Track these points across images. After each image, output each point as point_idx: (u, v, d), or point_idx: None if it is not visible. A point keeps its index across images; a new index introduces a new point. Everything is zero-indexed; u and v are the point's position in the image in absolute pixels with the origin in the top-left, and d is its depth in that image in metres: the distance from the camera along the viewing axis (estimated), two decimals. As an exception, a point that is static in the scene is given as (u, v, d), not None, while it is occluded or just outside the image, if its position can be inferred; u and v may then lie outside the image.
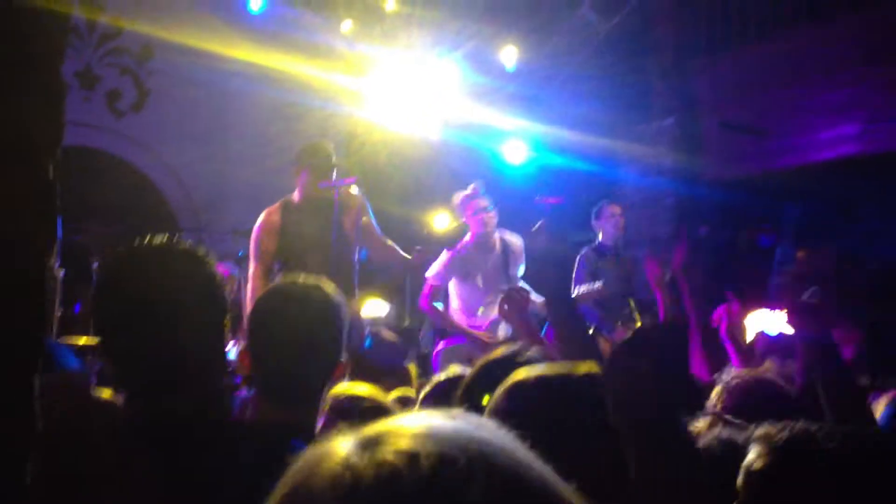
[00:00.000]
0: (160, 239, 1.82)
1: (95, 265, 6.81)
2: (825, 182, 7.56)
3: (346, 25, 8.55)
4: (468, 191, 6.15)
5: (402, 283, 8.71)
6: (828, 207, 7.65)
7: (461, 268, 6.16)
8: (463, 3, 8.21)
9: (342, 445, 0.66)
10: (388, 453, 0.63)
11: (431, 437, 0.65)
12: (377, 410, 2.32)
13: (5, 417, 0.98)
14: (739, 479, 1.56)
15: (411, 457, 0.62)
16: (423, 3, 8.33)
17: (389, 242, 5.61)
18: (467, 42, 8.26)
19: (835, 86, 7.42)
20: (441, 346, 6.28)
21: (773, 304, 7.33)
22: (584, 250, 6.74)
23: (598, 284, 6.02)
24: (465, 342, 6.09)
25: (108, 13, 8.57)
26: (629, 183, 8.72)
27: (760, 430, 1.57)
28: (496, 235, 6.18)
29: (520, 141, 7.81)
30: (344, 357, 2.10)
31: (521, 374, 1.59)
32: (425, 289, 6.31)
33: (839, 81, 7.39)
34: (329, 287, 2.10)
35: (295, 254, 5.30)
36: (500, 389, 1.59)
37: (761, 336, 6.45)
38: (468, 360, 5.95)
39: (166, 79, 8.72)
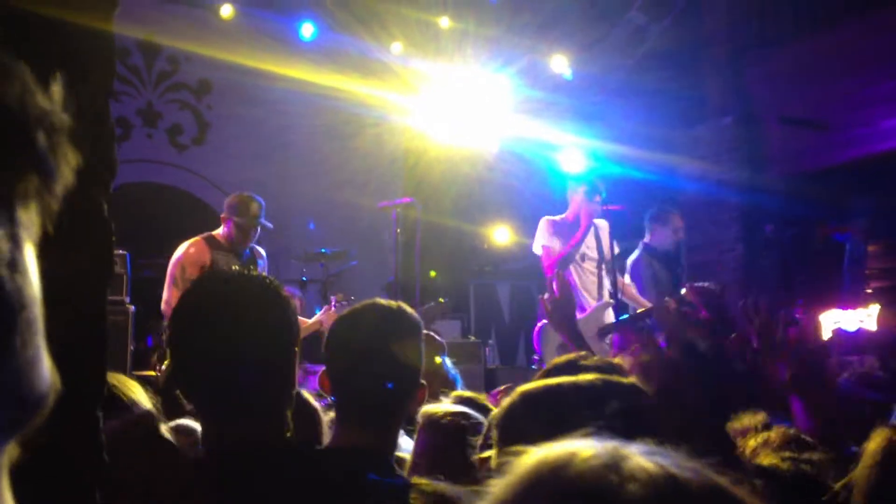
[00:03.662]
0: (234, 269, 1.86)
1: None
2: (891, 172, 7.38)
3: (396, 48, 8.62)
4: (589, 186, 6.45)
5: (467, 301, 8.71)
6: (896, 198, 7.46)
7: (559, 233, 6.40)
8: (517, 19, 8.22)
9: (582, 458, 0.65)
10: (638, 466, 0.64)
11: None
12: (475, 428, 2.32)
13: (71, 452, 1.00)
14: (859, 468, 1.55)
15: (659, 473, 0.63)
16: (477, 20, 8.36)
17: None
18: (521, 57, 8.27)
19: (894, 73, 7.25)
20: (541, 323, 6.35)
21: (848, 301, 7.17)
22: (638, 253, 6.77)
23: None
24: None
25: (165, 51, 8.78)
26: (690, 186, 8.61)
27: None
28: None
29: (576, 150, 7.77)
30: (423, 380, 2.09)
31: (527, 385, 1.58)
32: (549, 255, 6.40)
33: (899, 69, 7.23)
34: (408, 308, 2.11)
35: None
36: (510, 398, 1.57)
37: (838, 332, 6.32)
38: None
39: (224, 107, 8.89)
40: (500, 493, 0.68)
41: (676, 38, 8.23)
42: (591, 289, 6.39)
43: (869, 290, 7.88)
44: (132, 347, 6.14)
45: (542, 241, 6.50)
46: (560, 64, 8.37)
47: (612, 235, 6.41)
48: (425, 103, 8.26)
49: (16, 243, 0.69)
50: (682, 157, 8.56)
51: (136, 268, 6.34)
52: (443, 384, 3.71)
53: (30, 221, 0.71)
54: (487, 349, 8.15)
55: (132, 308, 6.11)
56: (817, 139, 7.79)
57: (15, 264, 0.68)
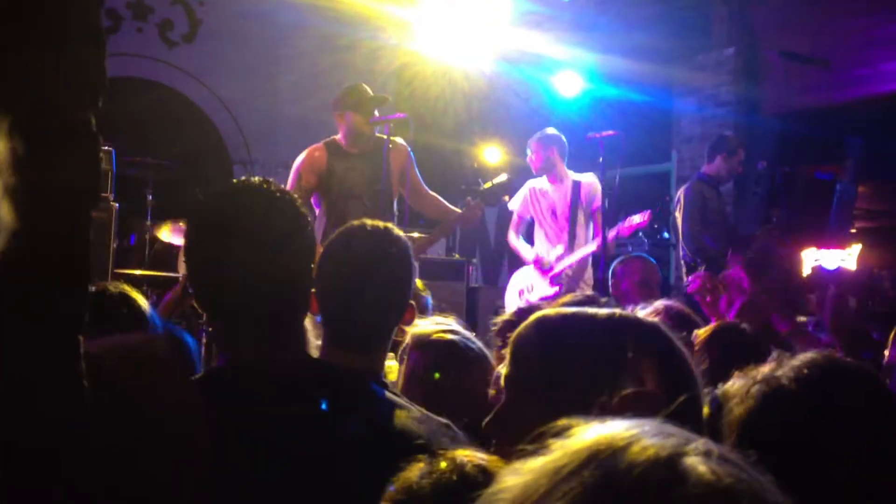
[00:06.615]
0: (249, 179, 1.82)
1: (150, 197, 6.86)
2: (888, 115, 7.34)
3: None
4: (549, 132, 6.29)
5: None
6: (891, 141, 7.44)
7: (540, 201, 6.30)
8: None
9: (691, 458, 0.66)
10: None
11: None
12: (466, 350, 2.33)
13: (46, 378, 0.97)
14: None
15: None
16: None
17: (434, 195, 5.43)
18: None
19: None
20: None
21: (833, 241, 7.20)
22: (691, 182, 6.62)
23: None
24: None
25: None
26: (686, 114, 8.53)
27: None
28: (565, 171, 6.27)
29: (573, 73, 7.64)
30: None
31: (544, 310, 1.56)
32: (514, 220, 6.48)
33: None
34: (396, 229, 2.07)
35: (334, 200, 5.17)
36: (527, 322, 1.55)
37: (818, 269, 6.37)
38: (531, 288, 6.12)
39: (217, 10, 8.68)
40: (551, 462, 0.69)
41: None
42: (550, 241, 6.24)
43: (853, 231, 7.91)
44: (115, 245, 6.11)
45: (516, 207, 6.44)
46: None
47: (604, 188, 5.91)
48: (422, 18, 8.07)
49: None
50: (681, 85, 8.46)
51: (121, 164, 6.25)
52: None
53: None
54: (471, 268, 8.16)
55: (116, 205, 6.06)
56: (817, 77, 7.71)
57: None
